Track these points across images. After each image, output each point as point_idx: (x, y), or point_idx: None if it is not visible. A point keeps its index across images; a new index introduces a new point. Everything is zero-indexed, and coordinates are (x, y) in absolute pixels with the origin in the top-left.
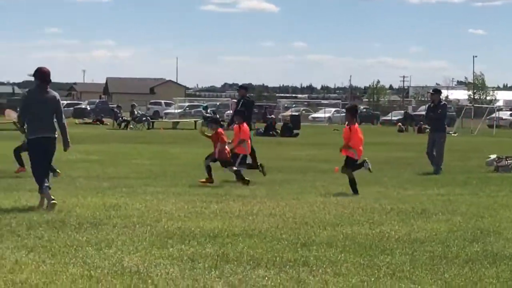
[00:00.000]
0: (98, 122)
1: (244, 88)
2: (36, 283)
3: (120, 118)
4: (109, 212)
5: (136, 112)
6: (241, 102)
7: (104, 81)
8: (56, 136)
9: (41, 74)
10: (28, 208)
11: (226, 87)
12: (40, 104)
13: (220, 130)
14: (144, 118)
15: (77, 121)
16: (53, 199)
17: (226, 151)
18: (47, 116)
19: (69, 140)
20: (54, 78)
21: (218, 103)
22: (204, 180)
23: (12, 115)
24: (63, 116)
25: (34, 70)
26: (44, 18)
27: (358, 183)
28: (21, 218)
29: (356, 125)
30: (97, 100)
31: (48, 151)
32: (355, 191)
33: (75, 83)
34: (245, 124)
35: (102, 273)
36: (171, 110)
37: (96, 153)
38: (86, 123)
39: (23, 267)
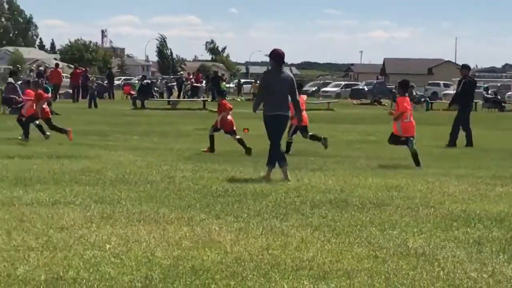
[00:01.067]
0: (375, 103)
1: (466, 68)
2: (323, 262)
3: None
4: (391, 193)
5: (414, 93)
6: (462, 82)
7: (381, 62)
8: (288, 115)
9: (276, 56)
10: (310, 187)
11: (507, 67)
12: (276, 84)
13: (224, 101)
14: (423, 99)
15: (354, 101)
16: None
17: (229, 120)
18: (282, 95)
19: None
20: (332, 59)
21: (498, 84)
22: (205, 149)
23: None
24: (297, 94)
25: (271, 51)
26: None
27: None
28: (304, 197)
29: (402, 98)
30: (375, 81)
31: (280, 127)
32: (417, 163)
33: (352, 64)
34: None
35: (388, 253)
36: (450, 91)
37: (374, 133)
38: (363, 104)
39: (309, 246)
